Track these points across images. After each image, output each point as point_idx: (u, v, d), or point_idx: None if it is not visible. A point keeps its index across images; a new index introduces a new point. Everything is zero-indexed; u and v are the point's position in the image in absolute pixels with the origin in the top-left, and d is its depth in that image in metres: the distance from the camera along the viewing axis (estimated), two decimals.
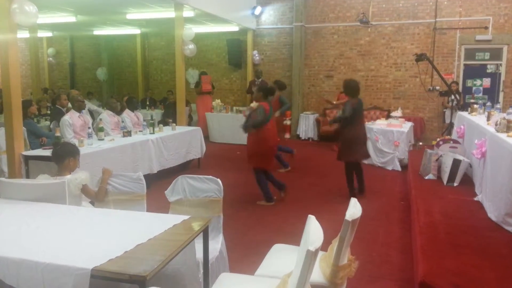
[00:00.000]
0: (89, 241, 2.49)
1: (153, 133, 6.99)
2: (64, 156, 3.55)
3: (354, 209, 2.60)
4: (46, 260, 2.17)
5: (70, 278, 2.11)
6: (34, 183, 3.32)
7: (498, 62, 10.60)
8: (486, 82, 10.80)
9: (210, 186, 3.40)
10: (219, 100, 11.80)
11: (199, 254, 2.89)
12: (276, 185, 6.15)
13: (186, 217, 2.85)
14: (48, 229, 2.66)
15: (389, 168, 8.19)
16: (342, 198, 6.14)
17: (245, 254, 4.12)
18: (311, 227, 2.28)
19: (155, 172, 6.63)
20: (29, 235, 2.56)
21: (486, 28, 10.38)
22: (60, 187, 3.22)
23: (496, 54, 10.57)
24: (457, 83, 10.16)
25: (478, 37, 10.45)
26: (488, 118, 5.36)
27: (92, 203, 3.73)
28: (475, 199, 4.84)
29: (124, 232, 2.64)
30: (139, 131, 7.06)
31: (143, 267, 2.11)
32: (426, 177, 5.93)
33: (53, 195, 3.22)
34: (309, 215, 2.43)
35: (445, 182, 5.60)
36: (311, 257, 1.99)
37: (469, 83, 10.95)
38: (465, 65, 10.92)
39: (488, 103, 6.84)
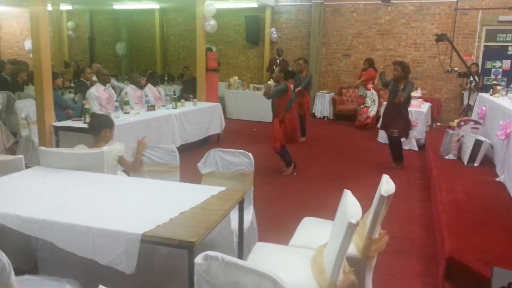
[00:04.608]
0: (134, 208, 2.61)
1: (176, 107, 7.08)
2: (101, 128, 3.66)
3: (387, 184, 2.70)
4: (97, 225, 2.27)
5: (121, 243, 2.21)
6: (75, 152, 3.43)
7: None
8: (506, 64, 10.68)
9: (242, 159, 3.50)
10: (236, 77, 11.82)
11: (233, 224, 3.01)
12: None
13: (222, 188, 2.96)
14: (93, 196, 2.79)
15: (406, 147, 8.21)
16: (361, 175, 6.26)
17: (270, 226, 4.24)
18: (348, 201, 2.37)
19: (178, 146, 6.73)
20: (76, 201, 2.69)
21: (510, 8, 10.18)
22: (99, 157, 3.34)
23: None
24: (477, 65, 10.06)
25: (501, 18, 10.27)
26: None
27: (126, 172, 3.86)
28: (497, 179, 4.89)
29: (166, 200, 2.76)
30: (162, 105, 7.15)
31: (190, 233, 2.22)
32: (447, 157, 6.00)
33: (92, 164, 3.34)
34: (345, 190, 2.53)
35: (465, 162, 5.66)
36: (352, 229, 2.09)
37: (488, 64, 10.84)
38: (485, 46, 10.79)
39: None
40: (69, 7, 14.37)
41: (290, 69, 8.69)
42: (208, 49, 11.55)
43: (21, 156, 3.44)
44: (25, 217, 2.38)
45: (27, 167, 3.45)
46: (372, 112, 10.02)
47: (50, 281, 2.28)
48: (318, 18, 11.82)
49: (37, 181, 3.04)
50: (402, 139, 6.79)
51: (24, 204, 2.56)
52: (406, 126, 6.39)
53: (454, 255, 2.95)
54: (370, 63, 9.88)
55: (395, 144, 6.52)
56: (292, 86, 6.30)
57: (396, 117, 6.27)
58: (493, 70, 10.79)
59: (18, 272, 1.90)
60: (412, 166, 6.97)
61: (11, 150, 6.53)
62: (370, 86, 9.84)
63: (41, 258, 3.01)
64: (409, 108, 8.34)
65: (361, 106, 10.14)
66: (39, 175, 3.16)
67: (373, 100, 9.91)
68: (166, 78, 12.59)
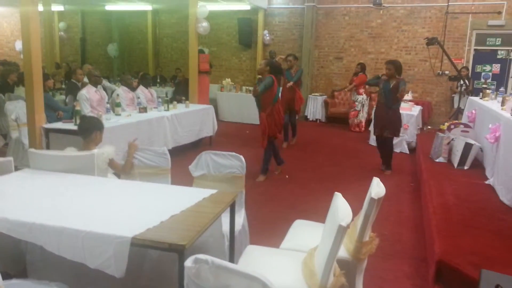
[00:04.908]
0: (124, 211, 2.59)
1: (168, 110, 7.06)
2: (91, 130, 3.65)
3: (377, 188, 2.71)
4: (86, 228, 2.25)
5: (110, 246, 2.19)
6: (65, 154, 3.41)
7: (510, 48, 10.54)
8: (496, 68, 10.78)
9: (233, 162, 3.50)
10: (229, 79, 11.83)
11: (225, 227, 3.00)
12: (278, 159, 6.41)
13: (213, 191, 2.94)
14: (83, 199, 2.76)
15: (397, 150, 8.25)
16: (352, 178, 6.28)
17: (262, 229, 4.24)
18: (339, 204, 2.38)
19: (170, 148, 6.71)
20: (65, 204, 2.66)
21: (500, 13, 10.30)
22: (89, 160, 3.32)
23: (508, 40, 10.50)
24: (467, 69, 10.15)
25: (491, 22, 10.37)
26: (503, 103, 5.41)
27: (117, 175, 3.84)
28: (486, 182, 4.94)
29: (157, 203, 2.74)
30: (154, 107, 7.13)
31: (181, 236, 2.21)
32: (437, 160, 6.04)
33: (82, 167, 3.31)
34: (336, 192, 2.54)
35: (455, 165, 5.71)
36: (342, 232, 2.10)
37: (478, 68, 10.94)
38: (475, 50, 10.89)
39: (502, 89, 6.88)
40: (61, 8, 14.29)
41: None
42: (200, 51, 11.47)
43: (11, 158, 3.40)
44: (14, 220, 2.35)
45: (16, 169, 3.42)
46: (362, 118, 10.11)
47: (39, 285, 2.26)
48: (311, 21, 11.87)
49: (27, 183, 3.01)
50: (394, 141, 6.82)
51: (13, 207, 2.54)
52: (397, 125, 6.36)
53: (443, 257, 2.97)
54: (362, 67, 9.95)
55: (387, 147, 6.52)
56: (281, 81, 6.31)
57: (387, 116, 6.25)
58: (483, 74, 10.89)
59: (6, 276, 1.89)
60: (403, 169, 7.01)
61: (1, 152, 6.48)
62: (361, 91, 9.91)
63: (30, 261, 2.98)
64: (400, 111, 8.44)
65: (351, 110, 10.28)
66: (29, 178, 3.13)
67: (363, 104, 10.00)
68: (158, 80, 12.55)
